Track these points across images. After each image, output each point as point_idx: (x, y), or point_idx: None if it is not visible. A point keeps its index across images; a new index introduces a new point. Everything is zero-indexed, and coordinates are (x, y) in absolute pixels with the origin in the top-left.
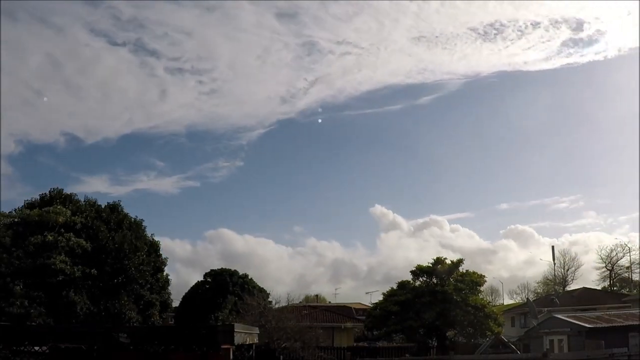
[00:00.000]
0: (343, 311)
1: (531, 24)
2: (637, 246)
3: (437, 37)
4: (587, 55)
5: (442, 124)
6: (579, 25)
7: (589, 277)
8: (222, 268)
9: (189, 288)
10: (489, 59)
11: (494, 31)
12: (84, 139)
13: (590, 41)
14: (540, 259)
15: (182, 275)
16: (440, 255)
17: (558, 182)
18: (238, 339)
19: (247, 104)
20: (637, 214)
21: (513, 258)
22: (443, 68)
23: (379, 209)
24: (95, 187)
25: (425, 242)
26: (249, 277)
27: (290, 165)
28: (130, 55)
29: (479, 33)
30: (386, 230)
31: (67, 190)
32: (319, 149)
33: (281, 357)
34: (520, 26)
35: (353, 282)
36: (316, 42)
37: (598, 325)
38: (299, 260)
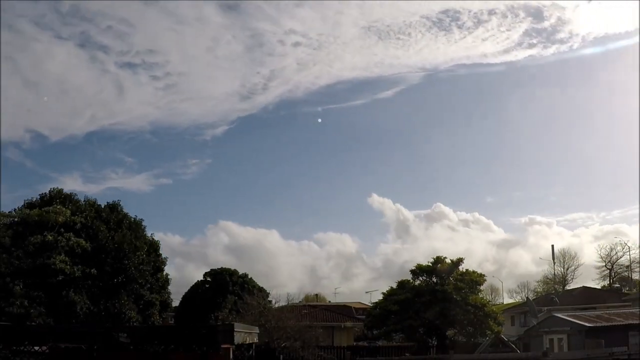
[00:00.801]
0: (343, 310)
1: (486, 10)
2: (637, 245)
3: (388, 26)
4: (552, 47)
5: (409, 118)
6: (538, 13)
7: (589, 276)
8: (221, 267)
9: (190, 284)
10: (446, 51)
11: (448, 19)
12: (49, 136)
13: (554, 31)
14: (540, 258)
15: (186, 271)
16: (471, 247)
17: (543, 175)
18: (238, 338)
19: (206, 100)
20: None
21: (545, 248)
22: (400, 61)
23: (376, 198)
24: (69, 185)
25: (449, 233)
26: (249, 277)
27: (264, 161)
28: (79, 50)
29: (432, 21)
30: (396, 220)
31: (39, 188)
32: (291, 145)
33: (281, 356)
34: (476, 13)
35: (368, 275)
36: (263, 33)
37: (598, 324)
38: (308, 255)
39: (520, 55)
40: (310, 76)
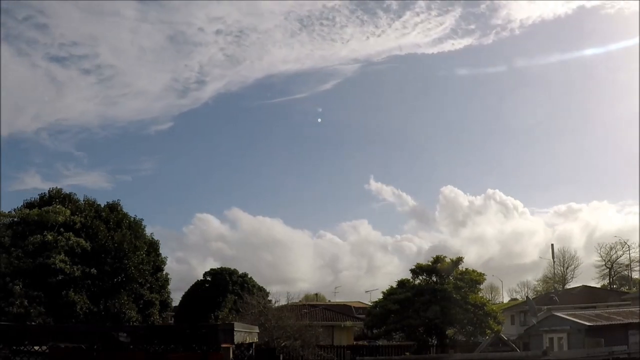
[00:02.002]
0: (343, 310)
1: None
2: (637, 244)
3: (308, 10)
4: (491, 34)
5: (358, 110)
6: None
7: (589, 275)
8: (221, 267)
9: (194, 275)
10: (377, 40)
11: (372, 1)
12: None
13: (491, 15)
14: (540, 257)
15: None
16: (519, 232)
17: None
18: (238, 337)
19: (142, 95)
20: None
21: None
22: (331, 53)
23: (373, 184)
24: (27, 182)
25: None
26: (249, 276)
27: (216, 155)
28: (4, 44)
29: (355, 3)
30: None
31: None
32: (243, 139)
33: (281, 355)
34: None
35: (399, 264)
36: (181, 24)
37: (598, 323)
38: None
39: (458, 44)
40: (243, 70)
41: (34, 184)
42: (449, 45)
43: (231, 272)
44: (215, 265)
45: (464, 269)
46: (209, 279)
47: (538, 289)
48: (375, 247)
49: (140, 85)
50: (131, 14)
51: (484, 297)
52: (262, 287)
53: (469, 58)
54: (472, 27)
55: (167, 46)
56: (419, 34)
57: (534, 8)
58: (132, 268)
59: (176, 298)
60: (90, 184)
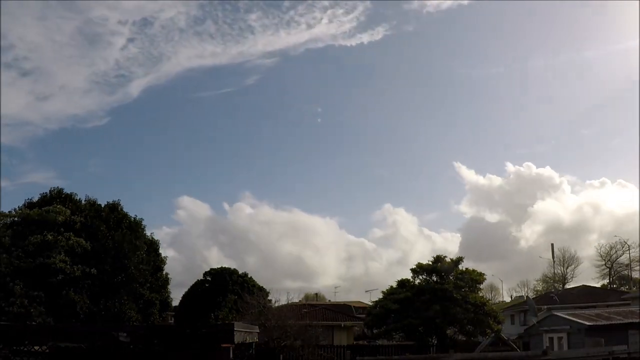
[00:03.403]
0: (343, 309)
1: None
2: (637, 243)
3: None
4: (410, 21)
5: (287, 104)
6: None
7: (589, 274)
8: (221, 267)
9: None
10: (289, 32)
11: None
12: None
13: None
14: (540, 257)
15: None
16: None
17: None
18: (238, 337)
19: (69, 91)
20: None
21: None
22: (247, 46)
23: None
24: None
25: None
26: (249, 276)
27: (162, 150)
28: None
29: None
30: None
31: None
32: (181, 134)
33: (281, 355)
34: None
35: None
36: (85, 16)
37: (597, 323)
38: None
39: (377, 34)
40: (164, 66)
41: None
42: (367, 36)
43: (231, 272)
44: (219, 260)
45: (463, 269)
46: (209, 278)
47: (538, 288)
48: (404, 237)
49: (63, 80)
50: (34, 8)
51: (484, 296)
52: (262, 286)
53: (396, 47)
54: (390, 12)
55: (78, 39)
56: (332, 23)
57: None
58: (132, 268)
59: (176, 296)
60: (43, 180)
